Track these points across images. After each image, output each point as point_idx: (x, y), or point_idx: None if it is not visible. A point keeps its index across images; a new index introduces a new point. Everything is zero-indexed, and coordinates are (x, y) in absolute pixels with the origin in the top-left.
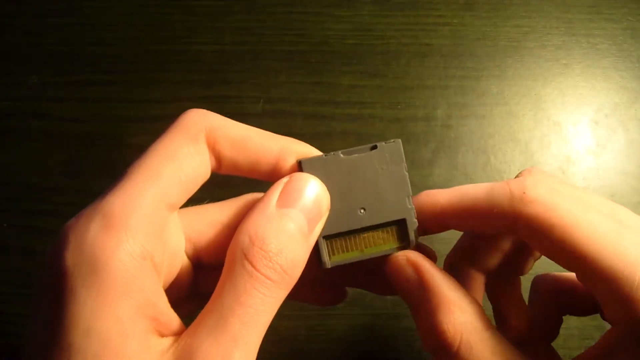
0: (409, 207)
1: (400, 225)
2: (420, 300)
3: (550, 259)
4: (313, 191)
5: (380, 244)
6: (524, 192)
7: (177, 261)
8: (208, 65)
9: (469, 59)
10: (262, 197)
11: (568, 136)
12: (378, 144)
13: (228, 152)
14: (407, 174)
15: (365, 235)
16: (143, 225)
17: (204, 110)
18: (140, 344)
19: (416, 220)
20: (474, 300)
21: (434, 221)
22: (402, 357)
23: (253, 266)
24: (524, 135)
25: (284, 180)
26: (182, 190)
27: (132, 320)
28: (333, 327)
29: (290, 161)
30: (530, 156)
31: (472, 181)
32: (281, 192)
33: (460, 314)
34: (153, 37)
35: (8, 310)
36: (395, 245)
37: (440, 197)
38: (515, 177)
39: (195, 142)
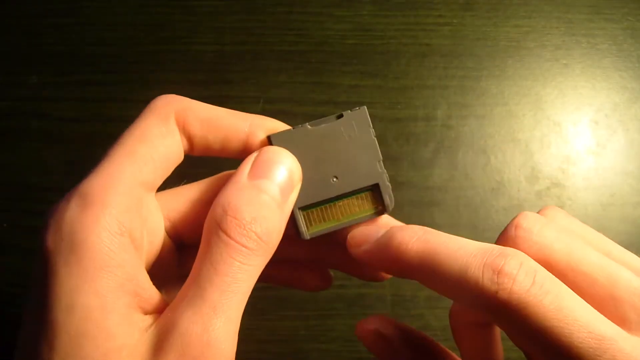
0: (380, 171)
1: (374, 190)
2: None
3: (524, 350)
4: (283, 162)
5: (357, 211)
6: (497, 292)
7: (157, 240)
8: (208, 65)
9: (469, 59)
10: (235, 172)
11: (568, 136)
12: (344, 113)
13: (198, 131)
14: (375, 139)
15: (341, 203)
16: (119, 202)
17: (173, 95)
18: (122, 317)
19: (389, 183)
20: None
21: (403, 274)
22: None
23: (228, 235)
24: (524, 135)
25: (254, 154)
26: (156, 169)
27: (112, 294)
28: (333, 327)
29: (260, 137)
30: (530, 156)
31: (472, 181)
32: (252, 165)
33: None
34: (153, 37)
35: (8, 310)
36: (371, 211)
37: (410, 256)
38: (505, 232)
39: (166, 122)
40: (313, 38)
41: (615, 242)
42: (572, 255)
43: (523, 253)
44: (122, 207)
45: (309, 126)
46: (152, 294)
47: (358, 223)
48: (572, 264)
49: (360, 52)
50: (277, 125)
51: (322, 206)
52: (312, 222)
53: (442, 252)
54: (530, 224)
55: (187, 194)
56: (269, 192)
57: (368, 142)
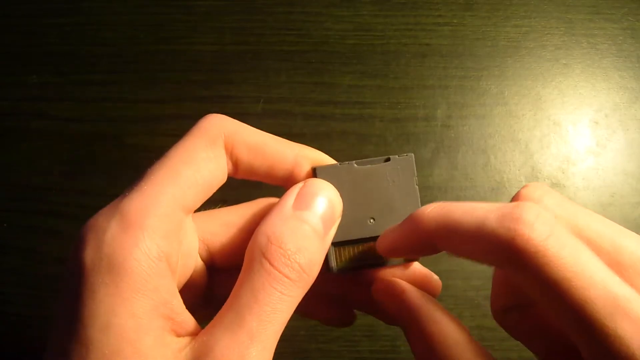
0: None
1: None
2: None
3: (535, 300)
4: (327, 196)
5: None
6: (514, 239)
7: (190, 262)
8: (208, 65)
9: (469, 59)
10: (279, 201)
11: (568, 136)
12: (391, 157)
13: (245, 156)
14: (417, 187)
15: (373, 244)
16: (160, 226)
17: (223, 116)
18: (156, 340)
19: None
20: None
21: (424, 245)
22: (402, 357)
23: (271, 264)
24: (524, 135)
25: (299, 185)
26: (198, 193)
27: (147, 317)
28: (333, 327)
29: (305, 168)
30: (530, 156)
31: (472, 181)
32: (297, 196)
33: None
34: (153, 37)
35: (8, 310)
36: (402, 259)
37: (428, 222)
38: (513, 200)
39: (214, 146)
40: (313, 38)
41: None
42: (576, 221)
43: (538, 206)
44: (161, 232)
45: (355, 164)
46: (186, 318)
47: (387, 266)
48: (577, 230)
49: (360, 52)
50: (322, 157)
51: (355, 245)
52: (343, 258)
53: (457, 211)
54: (532, 192)
55: (225, 218)
56: (313, 224)
57: (410, 189)
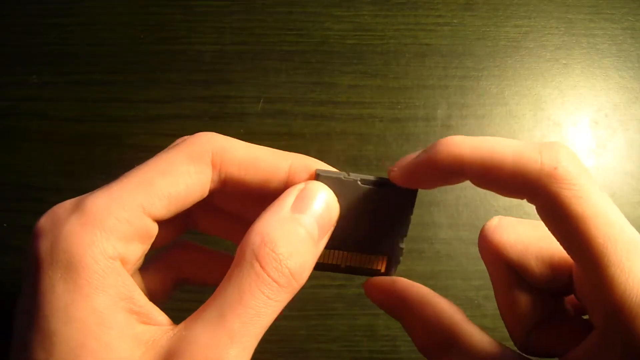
0: (401, 246)
1: (387, 258)
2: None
3: (558, 239)
4: (327, 201)
5: (364, 264)
6: (556, 168)
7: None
8: (208, 65)
9: (469, 59)
10: (277, 199)
11: (568, 136)
12: (397, 187)
13: (236, 173)
14: (410, 219)
15: (353, 254)
16: (118, 228)
17: (213, 133)
18: (122, 332)
19: (401, 259)
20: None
21: (451, 171)
22: (402, 357)
23: (262, 267)
24: (524, 135)
25: (300, 186)
26: (170, 204)
27: (109, 311)
28: (333, 327)
29: (301, 176)
30: None
31: None
32: (296, 197)
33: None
34: (153, 37)
35: (8, 310)
36: (377, 271)
37: (462, 148)
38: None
39: (197, 162)
40: (313, 38)
41: None
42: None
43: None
44: (119, 234)
45: (359, 182)
46: (150, 310)
47: (356, 273)
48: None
49: (360, 52)
50: (318, 165)
51: (337, 251)
52: (321, 258)
53: (494, 141)
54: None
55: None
56: (309, 227)
57: (404, 218)
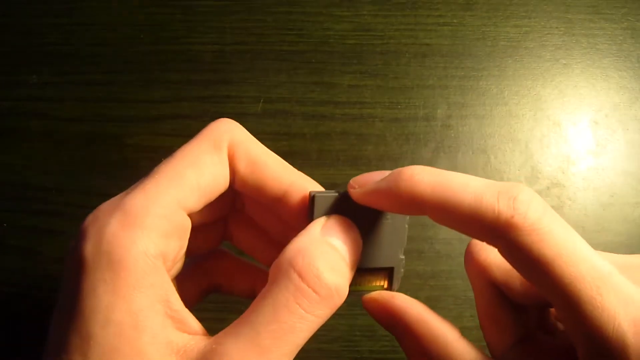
0: (401, 257)
1: (388, 271)
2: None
3: (527, 280)
4: (353, 233)
5: (366, 284)
6: (513, 216)
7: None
8: (208, 65)
9: (469, 59)
10: (304, 230)
11: (568, 136)
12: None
13: (242, 168)
14: (407, 227)
15: (355, 275)
16: (159, 226)
17: (234, 122)
18: (154, 338)
19: (403, 270)
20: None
21: (410, 207)
22: (402, 357)
23: (301, 277)
24: (523, 135)
25: (322, 219)
26: (200, 196)
27: (144, 314)
28: (333, 327)
29: (296, 198)
30: (530, 156)
31: None
32: (323, 226)
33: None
34: (153, 37)
35: (8, 310)
36: (379, 288)
37: (422, 187)
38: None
39: (219, 151)
40: (313, 38)
41: (615, 242)
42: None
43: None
44: (160, 231)
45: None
46: (185, 315)
47: (363, 294)
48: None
49: (360, 52)
50: (316, 189)
51: None
52: None
53: (454, 182)
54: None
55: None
56: (342, 252)
57: (400, 228)
